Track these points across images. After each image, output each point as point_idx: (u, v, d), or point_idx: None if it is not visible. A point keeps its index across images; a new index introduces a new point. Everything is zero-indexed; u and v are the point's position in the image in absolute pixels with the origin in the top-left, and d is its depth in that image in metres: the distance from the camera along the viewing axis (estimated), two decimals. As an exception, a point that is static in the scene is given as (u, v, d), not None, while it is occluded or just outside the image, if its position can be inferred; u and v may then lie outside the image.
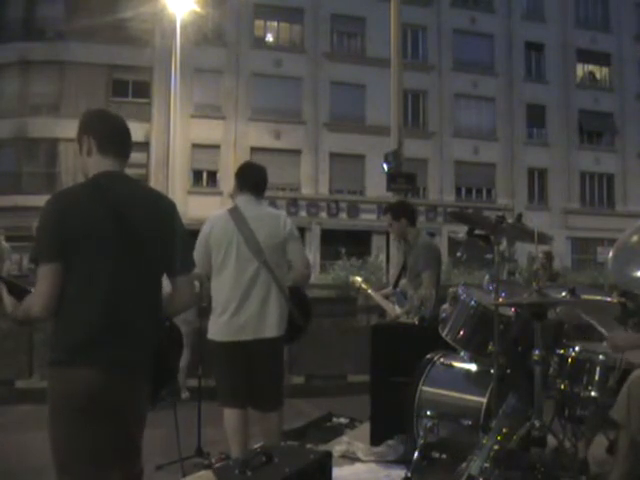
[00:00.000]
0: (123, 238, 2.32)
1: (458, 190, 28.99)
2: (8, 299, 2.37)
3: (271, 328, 3.87)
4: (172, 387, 2.61)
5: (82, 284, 2.26)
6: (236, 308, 3.84)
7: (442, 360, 3.77)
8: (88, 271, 2.27)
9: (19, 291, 2.39)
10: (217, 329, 3.91)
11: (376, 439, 4.13)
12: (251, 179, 4.09)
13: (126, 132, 2.54)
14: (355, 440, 4.21)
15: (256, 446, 3.09)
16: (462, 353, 3.80)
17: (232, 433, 3.89)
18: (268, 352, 3.91)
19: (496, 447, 2.88)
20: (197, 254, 3.79)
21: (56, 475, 2.29)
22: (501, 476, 2.82)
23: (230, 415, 3.89)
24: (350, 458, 4.00)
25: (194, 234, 3.98)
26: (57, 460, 2.27)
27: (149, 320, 2.40)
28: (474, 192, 29.46)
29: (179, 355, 2.56)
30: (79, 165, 2.53)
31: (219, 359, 3.95)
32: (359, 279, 6.13)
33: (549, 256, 10.88)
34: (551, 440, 3.09)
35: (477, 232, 3.72)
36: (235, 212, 3.97)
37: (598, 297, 3.67)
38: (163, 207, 2.54)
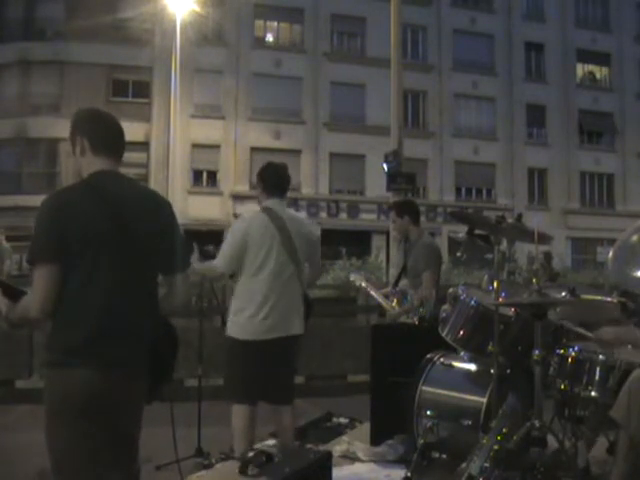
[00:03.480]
0: (120, 237, 2.32)
1: (458, 190, 28.99)
2: (2, 301, 2.35)
3: (297, 326, 4.03)
4: (169, 385, 2.60)
5: (80, 284, 2.25)
6: (271, 308, 3.89)
7: (442, 360, 3.77)
8: (86, 271, 2.26)
9: (14, 293, 2.37)
10: (248, 329, 3.89)
11: (376, 439, 4.12)
12: (280, 182, 4.12)
13: (119, 131, 2.53)
14: (355, 440, 4.21)
15: (256, 446, 3.09)
16: (462, 353, 3.79)
17: (241, 430, 3.88)
18: (292, 349, 4.06)
19: (496, 447, 2.88)
20: (229, 252, 3.88)
21: (53, 475, 2.28)
22: (501, 476, 2.82)
23: (241, 412, 3.89)
24: (350, 458, 4.00)
25: (194, 234, 3.99)
26: (54, 461, 2.27)
27: (147, 319, 2.40)
28: (474, 192, 29.46)
29: (176, 353, 2.56)
30: (73, 165, 2.51)
31: (241, 356, 3.92)
32: (358, 276, 6.12)
33: (548, 256, 10.90)
34: (551, 440, 3.09)
35: (477, 232, 3.72)
36: (272, 213, 3.98)
37: (598, 297, 3.67)
38: (159, 205, 2.53)
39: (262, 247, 3.90)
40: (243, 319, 3.90)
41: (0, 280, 2.48)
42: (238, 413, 3.90)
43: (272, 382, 3.98)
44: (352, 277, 6.15)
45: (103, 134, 2.47)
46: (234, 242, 3.91)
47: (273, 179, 4.10)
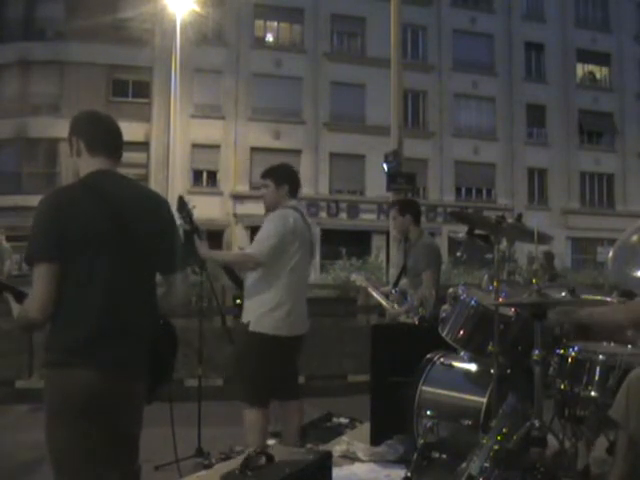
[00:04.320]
0: (119, 237, 2.31)
1: (458, 190, 29.00)
2: (16, 307, 2.34)
3: (307, 324, 4.20)
4: (169, 385, 2.60)
5: (79, 285, 2.25)
6: (296, 305, 4.01)
7: (442, 360, 3.77)
8: (85, 272, 2.26)
9: (20, 297, 2.36)
10: (283, 324, 3.93)
11: (376, 439, 4.12)
12: (299, 184, 4.26)
13: (116, 132, 2.53)
14: (355, 440, 4.21)
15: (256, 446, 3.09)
16: (462, 353, 3.79)
17: (260, 433, 3.88)
18: (301, 346, 4.20)
19: (496, 447, 2.87)
20: (274, 243, 3.87)
21: (54, 475, 2.28)
22: (501, 476, 2.81)
23: (261, 415, 3.89)
24: (350, 458, 4.00)
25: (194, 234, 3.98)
26: (55, 460, 2.27)
27: (146, 319, 2.40)
28: (474, 192, 29.47)
29: (176, 353, 2.57)
30: (73, 166, 2.52)
31: (271, 353, 3.92)
32: (359, 277, 6.13)
33: (548, 256, 10.87)
34: (551, 440, 3.08)
35: (477, 232, 3.72)
36: (300, 213, 4.10)
37: (598, 297, 3.67)
38: (157, 205, 2.53)
39: (300, 244, 4.00)
40: (283, 313, 3.91)
41: (7, 285, 2.44)
42: (257, 414, 3.88)
43: (286, 379, 4.10)
44: (353, 277, 6.17)
45: (99, 135, 2.48)
46: (279, 234, 3.91)
47: (296, 181, 4.22)
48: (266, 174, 4.18)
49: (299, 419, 4.20)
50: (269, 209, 4.14)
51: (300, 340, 4.13)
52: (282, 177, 4.14)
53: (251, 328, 3.91)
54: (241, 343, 4.13)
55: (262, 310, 3.90)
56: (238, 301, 4.26)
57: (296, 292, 4.02)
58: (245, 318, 4.00)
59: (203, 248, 3.98)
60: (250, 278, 4.00)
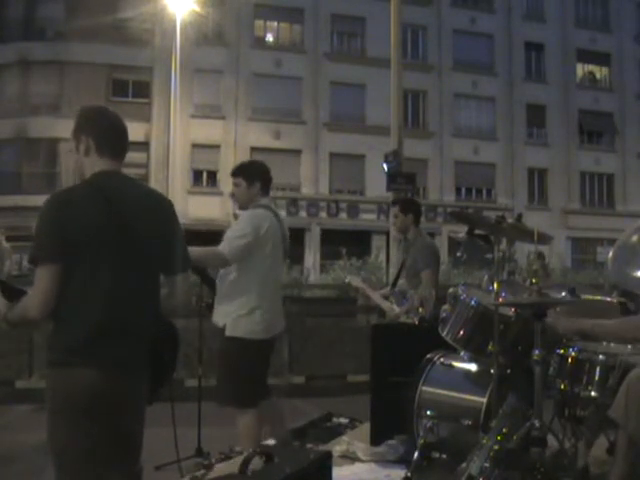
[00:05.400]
0: (123, 238, 2.32)
1: (458, 190, 29.00)
2: (1, 301, 2.34)
3: (283, 322, 4.18)
4: (170, 384, 2.60)
5: (83, 285, 2.25)
6: (271, 306, 3.98)
7: (442, 360, 3.76)
8: (89, 271, 2.26)
9: (14, 293, 2.36)
10: (262, 327, 3.90)
11: (376, 439, 4.12)
12: (270, 181, 4.17)
13: (124, 131, 2.52)
14: (355, 440, 4.21)
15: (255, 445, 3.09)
16: (462, 353, 3.79)
17: (254, 434, 3.87)
18: (275, 344, 4.22)
19: (496, 447, 2.88)
20: (243, 243, 3.81)
21: (56, 475, 2.29)
22: (501, 476, 2.81)
23: (254, 416, 3.88)
24: (350, 458, 3.99)
25: (194, 234, 3.99)
26: (57, 460, 2.27)
27: (149, 319, 2.41)
28: (474, 192, 29.47)
29: (177, 353, 2.57)
30: (74, 163, 2.49)
31: (255, 357, 3.93)
32: (354, 278, 6.13)
33: (541, 257, 10.89)
34: (551, 440, 3.08)
35: (477, 232, 3.72)
36: (272, 212, 4.03)
37: (598, 297, 3.67)
38: (162, 206, 2.54)
39: (273, 244, 3.94)
40: (258, 317, 3.87)
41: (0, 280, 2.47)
42: (251, 417, 3.87)
43: (264, 378, 4.11)
44: (348, 279, 6.17)
45: (109, 134, 2.46)
46: (249, 234, 3.84)
47: (267, 178, 4.13)
48: (237, 172, 4.12)
49: (279, 415, 4.18)
50: (242, 207, 4.10)
51: (276, 339, 4.16)
52: (253, 175, 4.08)
53: (228, 333, 3.86)
54: (220, 348, 4.02)
55: (238, 313, 3.86)
56: (209, 301, 4.18)
57: (271, 293, 4.00)
58: (219, 321, 3.93)
59: None
60: (224, 280, 3.95)
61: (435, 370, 3.72)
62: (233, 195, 4.15)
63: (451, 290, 3.91)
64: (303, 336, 8.36)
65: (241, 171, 4.11)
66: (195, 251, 3.37)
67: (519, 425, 3.02)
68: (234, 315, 3.86)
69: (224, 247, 3.84)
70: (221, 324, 3.92)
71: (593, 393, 3.18)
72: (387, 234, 15.43)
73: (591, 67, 32.28)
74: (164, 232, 2.47)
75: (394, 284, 5.49)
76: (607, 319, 3.38)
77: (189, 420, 4.67)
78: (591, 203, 30.99)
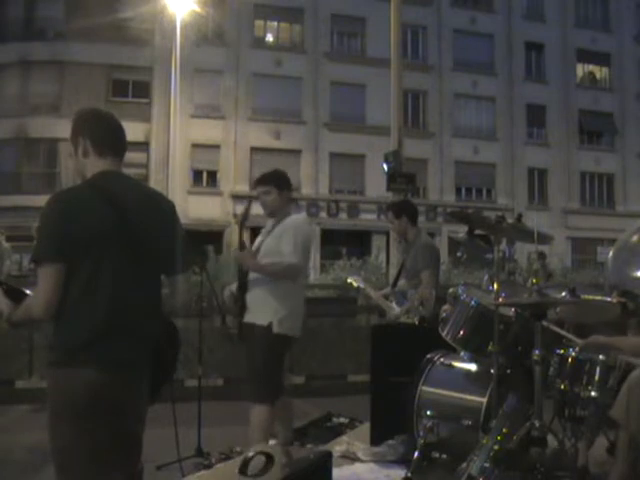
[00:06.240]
0: (125, 238, 2.32)
1: (458, 190, 29.00)
2: (4, 301, 2.35)
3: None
4: (171, 384, 2.60)
5: (84, 285, 2.25)
6: (302, 306, 4.21)
7: (442, 360, 3.77)
8: (90, 272, 2.26)
9: (17, 294, 2.37)
10: (294, 326, 4.09)
11: (376, 439, 4.13)
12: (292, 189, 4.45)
13: (121, 131, 2.53)
14: (355, 440, 4.22)
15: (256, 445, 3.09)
16: (462, 353, 3.80)
17: (268, 429, 3.96)
18: None
19: (496, 447, 2.88)
20: (307, 250, 4.11)
21: (56, 475, 2.28)
22: (501, 476, 2.82)
23: (269, 412, 3.94)
24: (350, 458, 4.00)
25: (194, 234, 3.99)
26: (57, 460, 2.27)
27: (150, 320, 2.41)
28: (474, 192, 29.46)
29: (177, 353, 2.57)
30: (74, 166, 2.50)
31: (286, 353, 4.24)
32: (355, 278, 6.12)
33: (542, 256, 10.92)
34: (551, 440, 3.09)
35: (477, 232, 3.72)
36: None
37: (598, 297, 3.67)
38: (163, 207, 2.54)
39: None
40: (297, 316, 4.12)
41: (3, 282, 2.47)
42: (269, 411, 3.93)
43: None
44: (350, 279, 6.16)
45: (105, 135, 2.47)
46: (308, 241, 4.15)
47: (291, 186, 4.37)
48: (267, 180, 4.22)
49: (290, 414, 4.27)
50: (271, 214, 4.20)
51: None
52: (284, 183, 4.27)
53: (276, 330, 3.95)
54: (258, 344, 4.02)
55: (284, 313, 3.99)
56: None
57: (302, 293, 4.28)
58: (262, 320, 3.98)
59: (251, 260, 4.05)
60: (263, 281, 4.03)
61: (435, 370, 3.72)
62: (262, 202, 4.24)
63: (451, 290, 3.91)
64: (303, 336, 8.34)
65: (272, 179, 4.23)
66: (273, 266, 3.93)
67: (519, 425, 3.03)
68: (281, 314, 3.99)
69: (296, 258, 3.99)
70: (266, 323, 3.97)
71: (593, 393, 3.18)
72: (387, 234, 15.44)
73: (591, 67, 32.26)
74: (165, 232, 2.47)
75: (394, 284, 5.49)
76: (607, 319, 3.39)
77: (189, 420, 4.67)
78: (591, 203, 30.98)
